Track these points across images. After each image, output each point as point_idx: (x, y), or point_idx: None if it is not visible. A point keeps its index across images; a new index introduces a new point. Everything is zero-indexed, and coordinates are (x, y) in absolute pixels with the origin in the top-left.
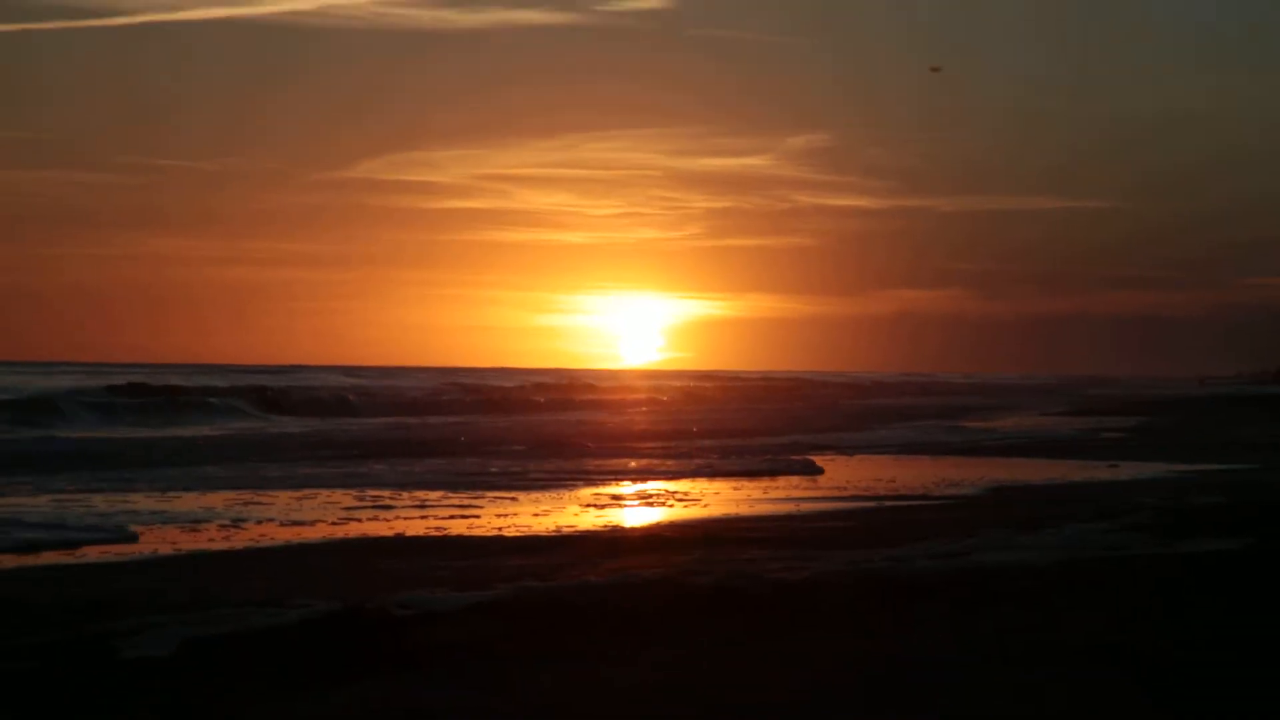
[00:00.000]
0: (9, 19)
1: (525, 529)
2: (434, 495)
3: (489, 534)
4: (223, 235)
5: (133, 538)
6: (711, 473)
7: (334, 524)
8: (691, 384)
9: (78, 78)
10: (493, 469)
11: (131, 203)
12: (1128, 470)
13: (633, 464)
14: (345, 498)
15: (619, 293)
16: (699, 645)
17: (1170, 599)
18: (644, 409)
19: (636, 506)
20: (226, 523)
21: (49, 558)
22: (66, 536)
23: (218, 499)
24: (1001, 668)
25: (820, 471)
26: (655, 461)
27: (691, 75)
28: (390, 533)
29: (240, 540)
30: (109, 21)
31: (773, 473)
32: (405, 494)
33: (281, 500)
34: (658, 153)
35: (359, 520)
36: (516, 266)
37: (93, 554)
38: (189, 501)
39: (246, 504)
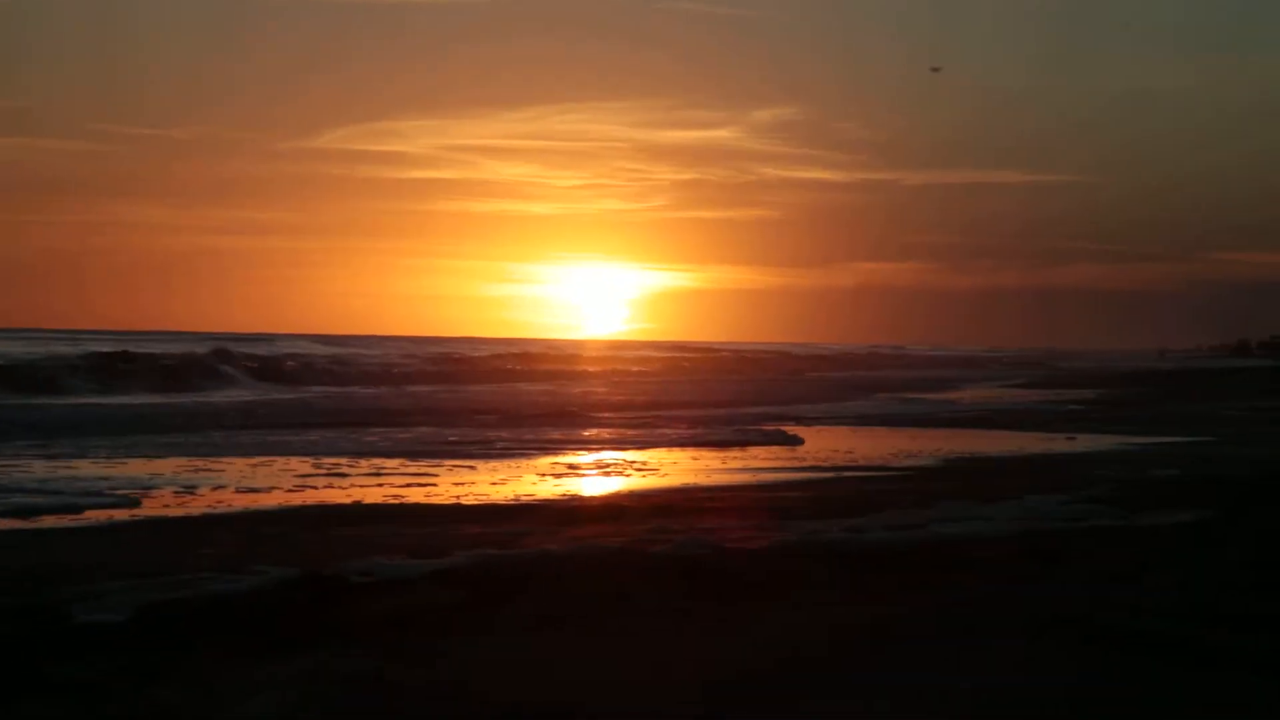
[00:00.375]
0: None
1: (484, 497)
2: (392, 463)
3: (447, 502)
4: (190, 203)
5: (133, 503)
6: (671, 443)
7: (290, 491)
8: (657, 354)
9: (46, 45)
10: (452, 437)
11: (99, 170)
12: (1085, 442)
13: (594, 433)
14: (302, 465)
15: (584, 263)
16: (656, 613)
17: (1131, 570)
18: (608, 379)
19: (596, 476)
20: (180, 489)
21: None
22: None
23: (170, 465)
24: (963, 638)
25: (784, 442)
26: (616, 431)
27: (659, 48)
28: (348, 500)
29: (196, 507)
30: None
31: (734, 444)
32: (363, 461)
33: (237, 467)
34: (624, 124)
35: (315, 488)
36: (482, 236)
37: (47, 520)
38: (138, 468)
39: (197, 470)
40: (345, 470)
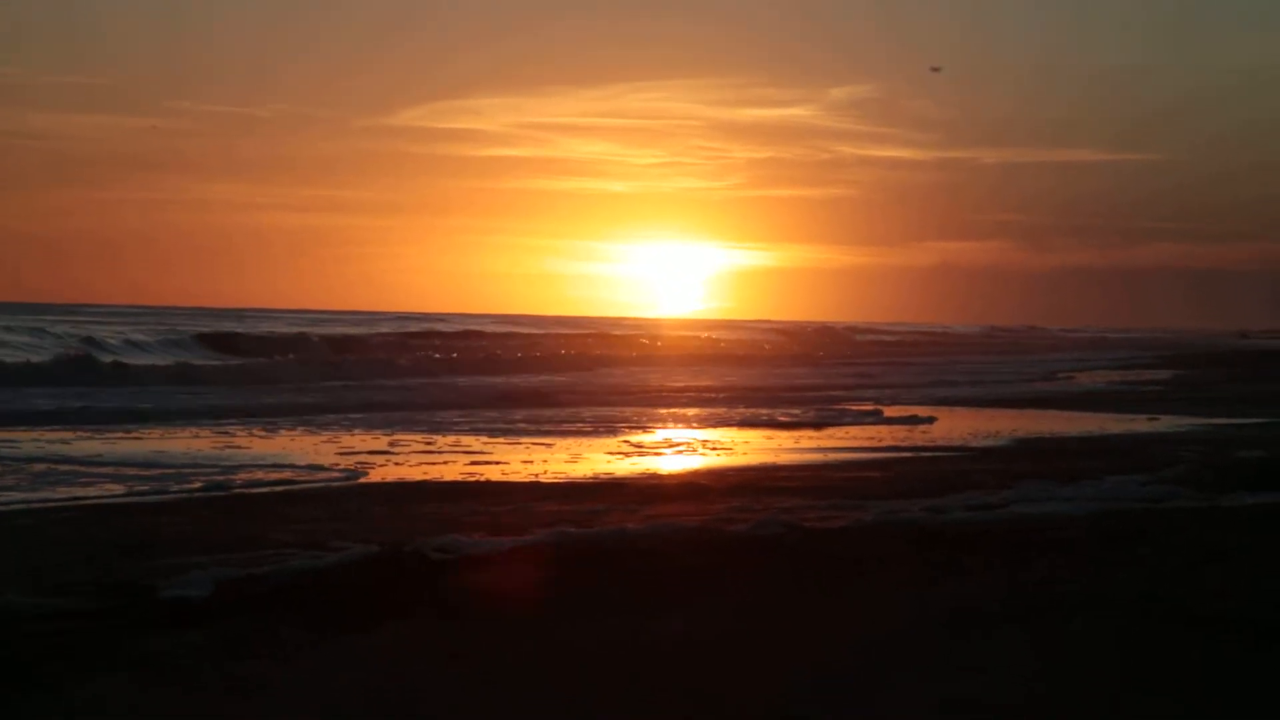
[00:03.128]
0: None
1: (562, 475)
2: (470, 440)
3: (526, 479)
4: (267, 180)
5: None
6: (752, 422)
7: (369, 468)
8: (738, 334)
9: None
10: (532, 415)
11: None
12: (1167, 423)
13: (672, 412)
14: (379, 442)
15: (660, 242)
16: (737, 595)
17: (1213, 552)
18: (686, 357)
19: (674, 455)
20: (269, 465)
21: (93, 495)
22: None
23: (229, 442)
24: (1043, 617)
25: (864, 420)
26: (696, 410)
27: (734, 26)
28: (425, 476)
29: (274, 481)
30: None
31: (816, 424)
32: (438, 438)
33: (309, 443)
34: (700, 103)
35: (395, 464)
36: (559, 215)
37: (134, 493)
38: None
39: (264, 443)
40: (422, 447)
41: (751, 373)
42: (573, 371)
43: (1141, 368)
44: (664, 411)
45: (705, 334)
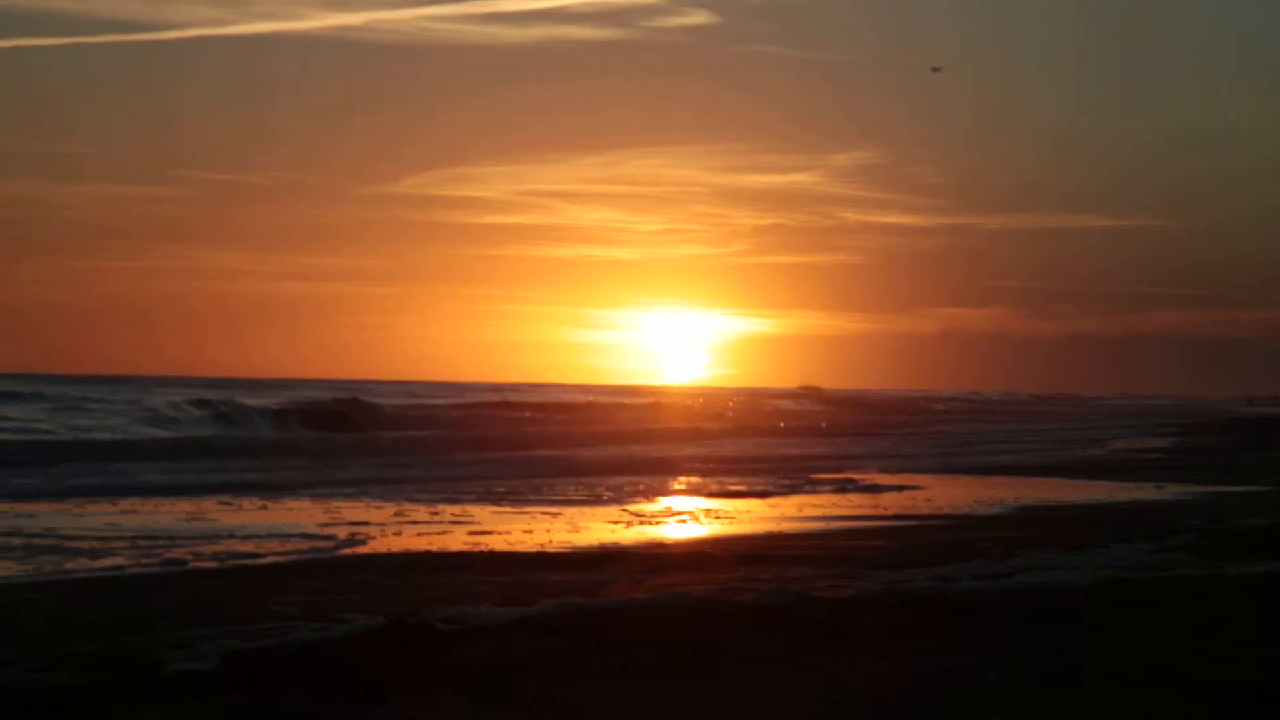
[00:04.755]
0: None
1: (568, 545)
2: (476, 510)
3: (532, 549)
4: (267, 249)
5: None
6: (754, 491)
7: (374, 538)
8: (741, 399)
9: (126, 92)
10: (536, 485)
11: (178, 216)
12: (1173, 491)
13: (677, 481)
14: (382, 513)
15: (664, 309)
16: (743, 662)
17: (1219, 620)
18: (691, 426)
19: (680, 524)
20: (270, 536)
21: (90, 569)
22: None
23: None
24: (1051, 688)
25: (866, 490)
26: (701, 480)
27: (737, 92)
28: (431, 547)
29: (276, 554)
30: (156, 36)
31: (815, 491)
32: (444, 508)
33: (309, 512)
34: (703, 169)
35: (399, 535)
36: (562, 282)
37: (131, 566)
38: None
39: (284, 519)
40: (426, 517)
41: (755, 441)
42: (584, 437)
43: (1149, 435)
44: (667, 481)
45: (711, 401)
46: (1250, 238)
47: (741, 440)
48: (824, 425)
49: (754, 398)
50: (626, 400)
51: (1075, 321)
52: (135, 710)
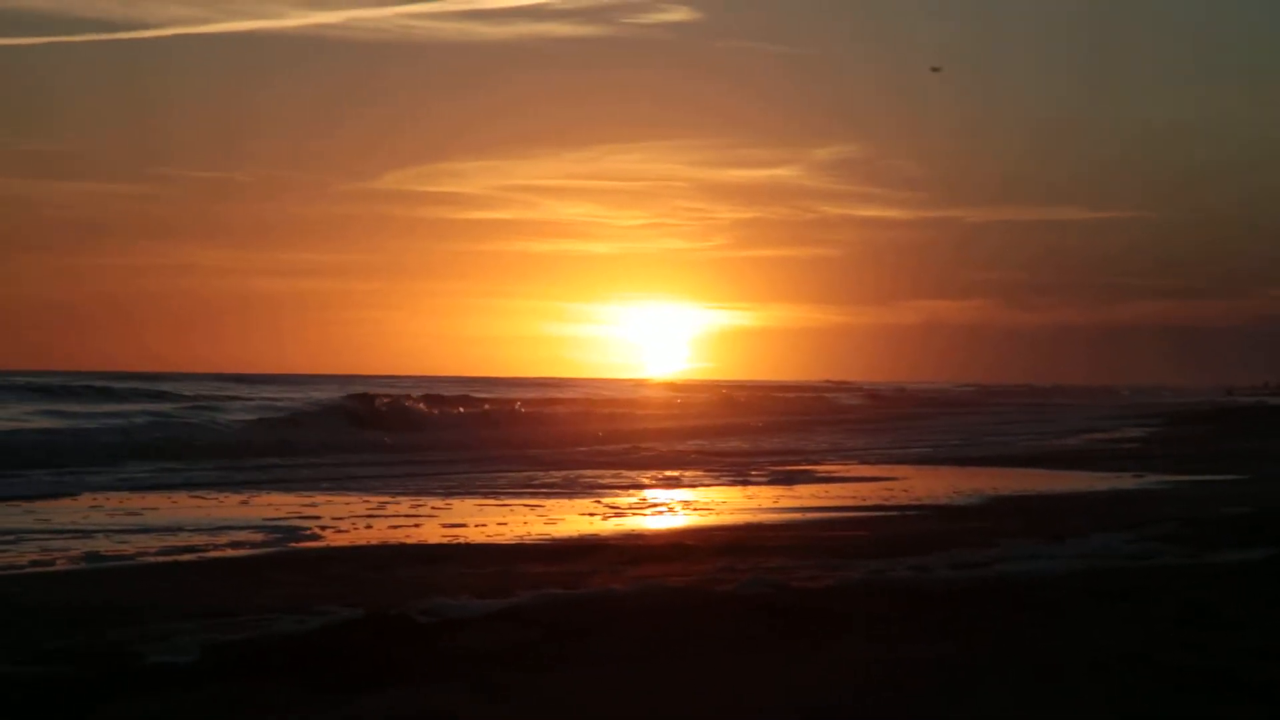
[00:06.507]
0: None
1: (548, 536)
2: (456, 502)
3: (511, 541)
4: (250, 245)
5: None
6: (736, 481)
7: (353, 531)
8: (722, 393)
9: (108, 90)
10: (516, 476)
11: (161, 213)
12: (1153, 480)
13: (659, 473)
14: (362, 505)
15: (645, 303)
16: (722, 653)
17: (1199, 609)
18: (671, 418)
19: (660, 514)
20: (251, 529)
21: (82, 560)
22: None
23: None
24: (1030, 677)
25: (843, 480)
26: (681, 470)
27: (717, 87)
28: (410, 540)
29: (256, 546)
30: (137, 34)
31: (793, 481)
32: (426, 501)
33: (290, 505)
34: (683, 164)
35: (378, 528)
36: (543, 276)
37: (111, 558)
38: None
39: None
40: (406, 510)
41: (734, 432)
42: (563, 429)
43: (1129, 425)
44: (645, 472)
45: (693, 393)
46: (1230, 229)
47: (758, 436)
48: (812, 418)
49: (754, 392)
50: (607, 394)
51: (1056, 313)
52: (116, 703)
